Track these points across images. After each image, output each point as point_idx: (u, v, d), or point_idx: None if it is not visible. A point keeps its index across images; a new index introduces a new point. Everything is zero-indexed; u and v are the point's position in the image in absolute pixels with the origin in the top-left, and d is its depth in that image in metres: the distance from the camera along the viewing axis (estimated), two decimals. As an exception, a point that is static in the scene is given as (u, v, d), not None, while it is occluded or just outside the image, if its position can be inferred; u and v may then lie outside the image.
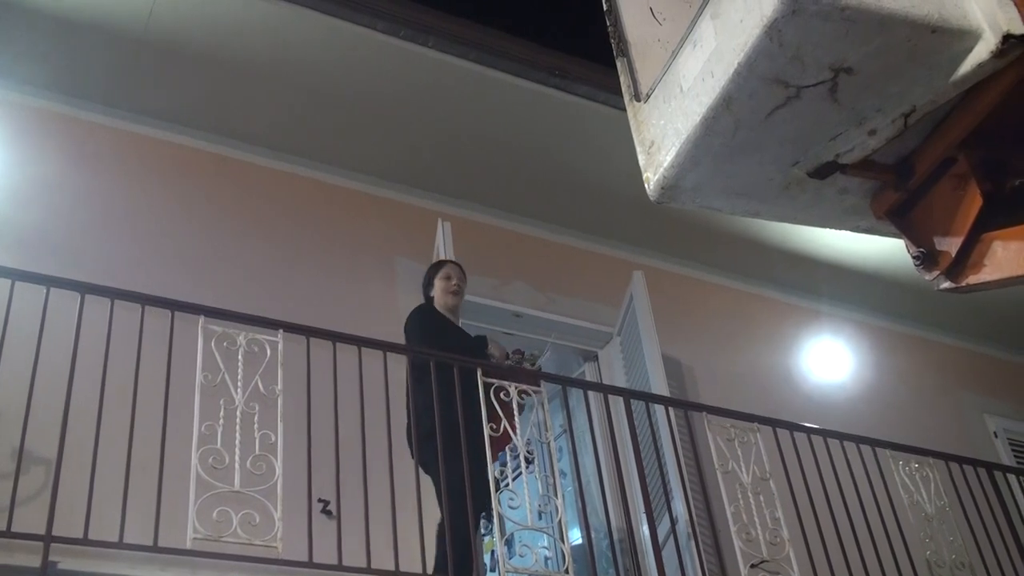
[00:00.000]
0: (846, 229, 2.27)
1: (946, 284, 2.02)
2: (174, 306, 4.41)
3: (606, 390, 5.57)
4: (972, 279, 1.97)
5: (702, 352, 7.04)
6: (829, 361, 7.63)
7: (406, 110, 6.24)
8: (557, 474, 4.66)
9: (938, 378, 8.15)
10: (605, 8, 2.47)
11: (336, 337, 4.68)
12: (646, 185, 2.18)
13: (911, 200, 2.08)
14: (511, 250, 6.79)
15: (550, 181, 6.79)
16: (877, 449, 5.72)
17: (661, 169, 2.11)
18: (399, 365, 4.82)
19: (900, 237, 2.13)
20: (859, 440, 5.71)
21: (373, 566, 4.17)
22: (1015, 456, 7.83)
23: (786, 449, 5.38)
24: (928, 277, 2.04)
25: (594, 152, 6.54)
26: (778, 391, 7.07)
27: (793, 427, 5.56)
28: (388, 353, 4.77)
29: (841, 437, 5.67)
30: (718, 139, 1.99)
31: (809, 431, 5.63)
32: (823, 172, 2.05)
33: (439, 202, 6.71)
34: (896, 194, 2.08)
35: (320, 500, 4.57)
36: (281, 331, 4.50)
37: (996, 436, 7.92)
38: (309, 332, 4.62)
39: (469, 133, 6.44)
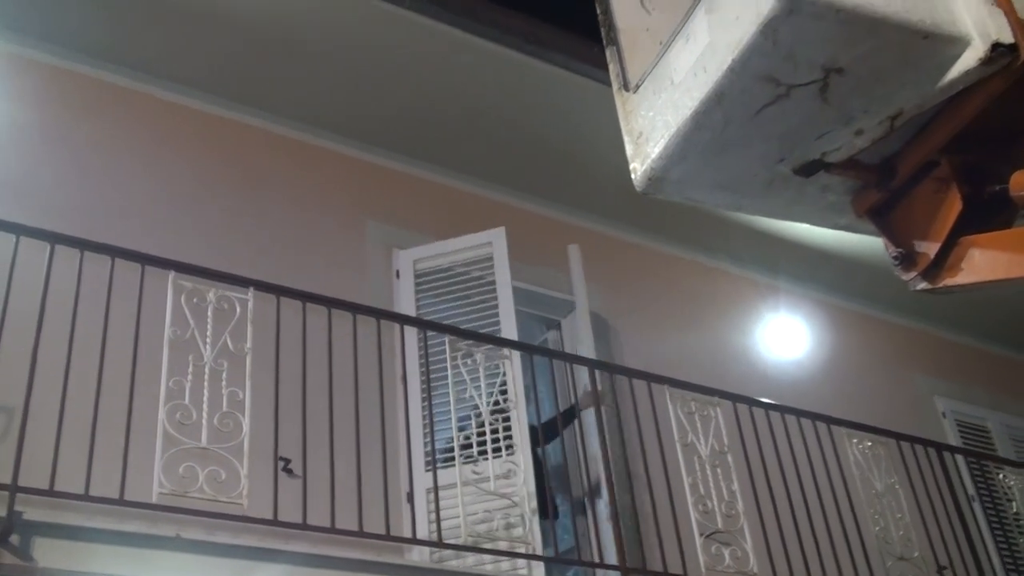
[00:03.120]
0: (826, 226, 2.29)
1: (923, 285, 2.04)
2: (144, 260, 4.37)
3: (571, 359, 5.64)
4: (949, 281, 2.00)
5: (663, 325, 7.11)
6: (786, 337, 7.73)
7: (380, 70, 6.18)
8: (524, 440, 4.70)
9: (891, 358, 8.30)
10: None
11: (306, 297, 4.68)
12: (632, 176, 2.18)
13: (892, 200, 2.11)
14: (480, 214, 6.78)
15: (520, 147, 6.77)
16: (832, 426, 5.84)
17: (649, 161, 2.11)
18: (368, 328, 4.83)
19: (879, 236, 2.15)
20: (814, 417, 5.83)
21: (337, 526, 4.21)
22: (962, 437, 8.01)
23: (744, 424, 5.49)
24: (905, 277, 2.07)
25: (566, 121, 6.54)
26: (736, 366, 7.16)
27: (752, 402, 5.66)
28: (357, 315, 4.78)
29: (797, 413, 5.78)
30: (707, 134, 2.00)
31: (767, 407, 5.73)
32: (808, 170, 2.07)
33: (409, 164, 6.70)
34: (878, 194, 2.11)
35: (282, 459, 4.60)
36: (252, 289, 4.49)
37: (945, 417, 8.10)
38: (279, 291, 4.61)
39: (442, 96, 6.41)
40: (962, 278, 1.98)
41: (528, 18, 6.31)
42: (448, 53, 6.15)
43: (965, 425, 8.16)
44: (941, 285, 2.01)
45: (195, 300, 4.34)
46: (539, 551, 4.80)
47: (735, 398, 5.55)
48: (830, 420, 5.86)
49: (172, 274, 4.35)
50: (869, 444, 5.89)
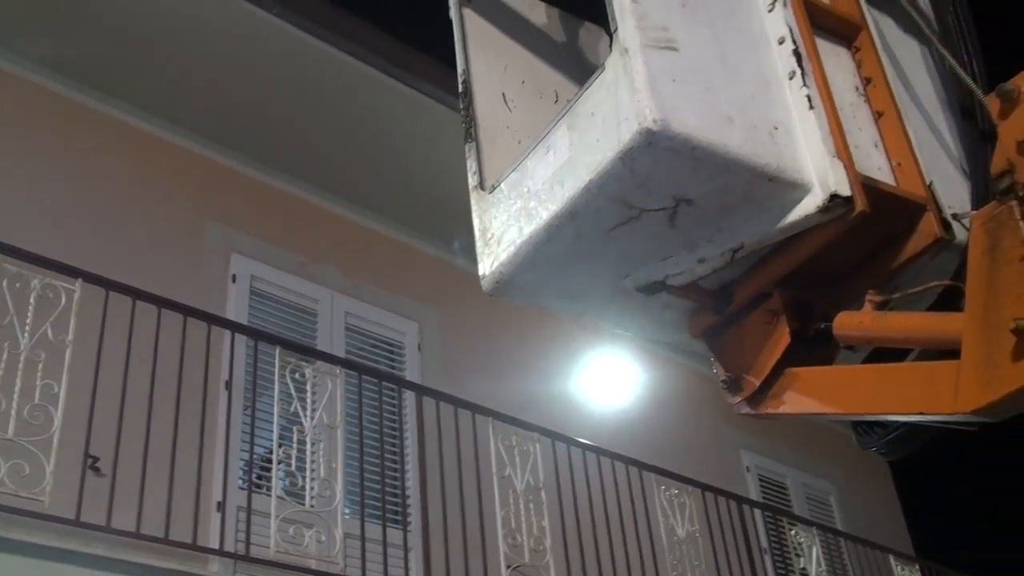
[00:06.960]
0: (663, 340, 2.39)
1: (746, 410, 2.14)
2: (-33, 238, 4.20)
3: (399, 384, 5.67)
4: (771, 410, 2.10)
5: (492, 358, 7.19)
6: (607, 380, 7.90)
7: (234, 71, 6.07)
8: (341, 460, 4.70)
9: (705, 410, 8.57)
10: (461, 90, 2.51)
11: (137, 294, 4.57)
12: (480, 275, 2.22)
13: (725, 325, 2.21)
14: (321, 226, 6.74)
15: (370, 165, 6.76)
16: (643, 472, 6.05)
17: (498, 264, 2.16)
18: (198, 331, 4.75)
19: (710, 358, 2.25)
20: (627, 461, 6.03)
21: (143, 531, 4.12)
22: (762, 492, 8.41)
23: (561, 462, 5.63)
24: (731, 401, 2.17)
25: (417, 145, 6.58)
26: (558, 404, 7.28)
27: (570, 441, 5.81)
28: (188, 318, 4.70)
29: (612, 456, 5.97)
30: (558, 246, 2.06)
31: (584, 447, 5.90)
32: (651, 289, 2.16)
33: (256, 169, 6.59)
34: (713, 317, 2.21)
35: (90, 456, 4.47)
36: (80, 280, 4.36)
37: (748, 471, 8.48)
38: (109, 285, 4.49)
39: (297, 104, 6.35)
40: (783, 408, 2.08)
41: (396, 41, 6.36)
42: (308, 63, 6.11)
43: (766, 480, 8.57)
44: (763, 412, 2.11)
45: (18, 285, 4.19)
46: (346, 571, 4.79)
47: (554, 436, 5.69)
48: (641, 465, 6.08)
49: (-4, 256, 4.19)
50: (676, 492, 6.14)
